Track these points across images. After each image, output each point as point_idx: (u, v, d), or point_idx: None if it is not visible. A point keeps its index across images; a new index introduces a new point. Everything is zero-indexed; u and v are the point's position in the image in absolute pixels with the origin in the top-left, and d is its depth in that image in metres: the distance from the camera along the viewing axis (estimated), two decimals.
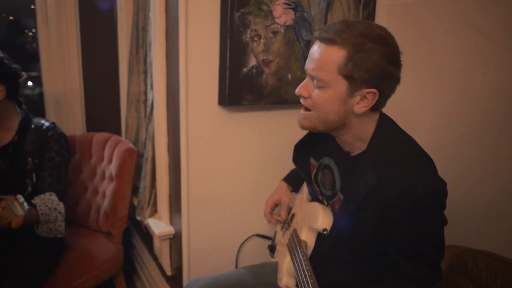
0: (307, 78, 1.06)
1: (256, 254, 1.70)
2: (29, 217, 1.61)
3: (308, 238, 1.29)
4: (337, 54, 0.95)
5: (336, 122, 1.04)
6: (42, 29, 2.42)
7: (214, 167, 1.57)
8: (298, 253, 1.23)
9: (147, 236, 2.18)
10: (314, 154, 1.34)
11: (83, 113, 2.49)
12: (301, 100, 1.08)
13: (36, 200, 1.69)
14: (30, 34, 2.79)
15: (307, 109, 1.07)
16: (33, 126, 1.79)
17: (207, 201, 1.58)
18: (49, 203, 1.71)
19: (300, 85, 1.07)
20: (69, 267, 1.81)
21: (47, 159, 1.76)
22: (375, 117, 1.07)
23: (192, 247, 1.59)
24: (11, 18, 2.69)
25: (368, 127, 1.06)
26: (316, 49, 1.01)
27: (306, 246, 1.28)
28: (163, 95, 1.68)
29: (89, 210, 2.16)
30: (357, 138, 1.09)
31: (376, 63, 0.94)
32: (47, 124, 1.81)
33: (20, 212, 1.39)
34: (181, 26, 1.43)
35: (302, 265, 1.15)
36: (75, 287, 1.78)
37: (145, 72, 2.07)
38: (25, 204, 1.45)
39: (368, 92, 0.98)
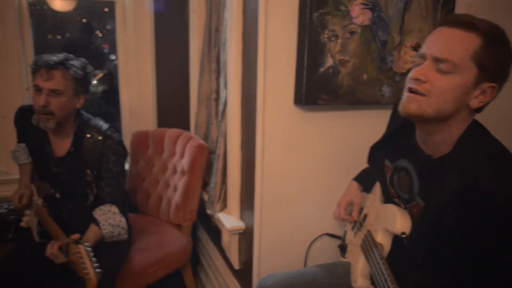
0: (426, 63, 1.00)
1: (325, 253, 1.71)
2: (96, 239, 1.66)
3: (384, 240, 1.28)
4: (474, 41, 0.95)
5: (449, 112, 1.00)
6: (120, 30, 2.57)
7: (287, 165, 1.59)
8: (374, 255, 1.22)
9: (213, 230, 2.25)
10: (389, 156, 1.32)
11: (155, 109, 2.62)
12: (413, 84, 1.02)
13: (99, 215, 1.69)
14: (100, 35, 2.97)
15: (414, 92, 1.02)
16: (89, 135, 1.75)
17: (279, 198, 1.61)
18: (112, 219, 1.71)
19: (416, 69, 1.02)
20: (144, 255, 1.91)
21: (104, 170, 1.75)
22: (470, 119, 1.04)
23: (263, 243, 1.62)
24: (84, 20, 2.86)
25: (460, 128, 1.04)
26: (446, 32, 0.99)
27: (382, 248, 1.27)
28: (237, 94, 1.72)
29: (160, 202, 2.27)
30: (447, 139, 1.06)
31: (504, 59, 0.96)
32: (102, 129, 1.76)
33: (92, 275, 1.36)
34: (261, 26, 1.47)
35: (380, 268, 1.14)
36: (149, 274, 1.88)
37: (217, 71, 2.13)
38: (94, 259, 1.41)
39: (489, 86, 0.97)
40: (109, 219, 1.70)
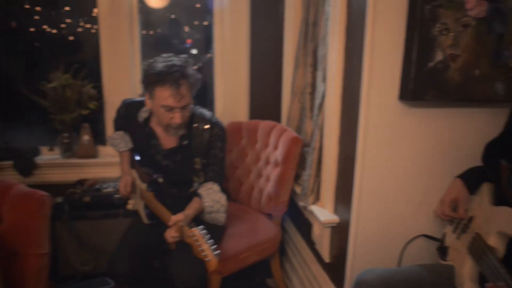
0: None
1: (420, 254, 1.66)
2: (197, 210, 1.77)
3: (498, 243, 1.22)
4: None
5: None
6: (218, 25, 2.68)
7: (388, 161, 1.56)
8: (488, 258, 1.17)
9: (302, 222, 2.28)
10: (507, 156, 1.25)
11: (248, 102, 2.70)
12: None
13: (202, 191, 1.81)
14: (186, 29, 3.10)
15: None
16: (195, 124, 1.83)
17: (378, 195, 1.59)
18: (213, 195, 1.81)
19: None
20: (237, 240, 2.00)
21: (211, 156, 1.84)
22: None
23: (359, 238, 1.62)
24: (173, 16, 3.00)
25: None
26: None
27: (496, 251, 1.21)
28: (338, 88, 1.72)
29: (252, 191, 2.35)
30: None
31: None
32: (207, 118, 1.84)
33: (212, 257, 1.42)
34: (369, 20, 1.45)
35: (498, 271, 1.09)
36: (241, 259, 1.97)
37: (313, 65, 2.14)
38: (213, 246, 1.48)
39: None
40: (211, 194, 1.79)
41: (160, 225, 1.92)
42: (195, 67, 2.79)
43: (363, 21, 1.49)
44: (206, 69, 2.90)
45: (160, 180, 1.91)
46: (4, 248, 1.04)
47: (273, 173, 2.18)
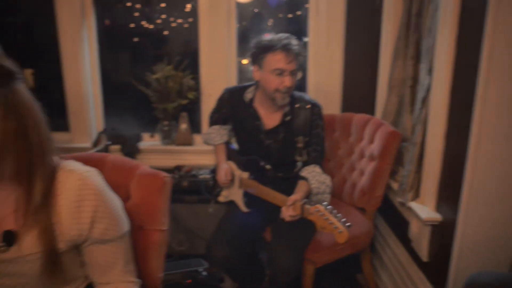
0: None
1: None
2: (306, 192, 1.81)
3: None
4: None
5: None
6: (313, 16, 2.68)
7: (505, 160, 1.46)
8: None
9: (395, 219, 2.22)
10: None
11: (341, 94, 2.68)
12: None
13: (305, 173, 1.87)
14: (270, 23, 3.10)
15: None
16: (298, 105, 1.91)
17: (491, 195, 1.50)
18: (318, 176, 1.86)
19: None
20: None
21: (314, 135, 1.91)
22: None
23: (466, 238, 1.54)
24: (255, 10, 3.02)
25: None
26: None
27: None
28: (446, 81, 1.64)
29: (343, 185, 2.33)
30: None
31: None
32: (307, 99, 1.94)
33: (343, 229, 1.50)
34: (491, 9, 1.36)
35: None
36: (336, 251, 1.98)
37: (415, 58, 2.06)
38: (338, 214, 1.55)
39: None
40: (316, 176, 1.84)
41: (256, 214, 2.00)
42: None
43: (484, 10, 1.40)
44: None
45: (268, 167, 1.96)
46: (131, 222, 1.14)
47: (368, 167, 2.15)
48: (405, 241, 2.06)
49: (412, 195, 1.91)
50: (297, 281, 1.97)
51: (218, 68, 2.70)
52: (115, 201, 1.09)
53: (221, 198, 2.12)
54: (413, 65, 2.08)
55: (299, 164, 1.92)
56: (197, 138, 2.86)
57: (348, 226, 1.50)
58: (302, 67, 1.88)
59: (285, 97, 1.85)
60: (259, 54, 1.81)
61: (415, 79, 2.07)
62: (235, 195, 2.04)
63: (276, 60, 1.76)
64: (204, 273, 2.39)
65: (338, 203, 2.29)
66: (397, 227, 2.23)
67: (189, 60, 2.75)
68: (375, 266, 2.46)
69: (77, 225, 1.01)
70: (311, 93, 2.76)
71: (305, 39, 2.77)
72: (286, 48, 1.75)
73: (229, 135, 2.16)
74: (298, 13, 2.97)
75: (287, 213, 1.65)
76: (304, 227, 1.85)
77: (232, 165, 2.06)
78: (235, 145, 2.20)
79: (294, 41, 1.80)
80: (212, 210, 2.17)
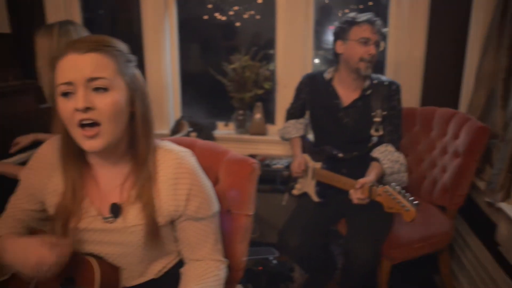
0: None
1: None
2: (378, 174, 1.81)
3: None
4: None
5: None
6: (393, 6, 2.58)
7: None
8: None
9: (478, 220, 2.10)
10: None
11: (421, 87, 2.56)
12: None
13: (376, 154, 1.87)
14: (340, 14, 3.01)
15: None
16: (376, 81, 1.96)
17: None
18: (390, 155, 1.85)
19: None
20: (411, 229, 1.93)
21: (391, 107, 1.92)
22: None
23: None
24: (326, 1, 2.93)
25: None
26: None
27: None
28: None
29: (422, 181, 2.24)
30: None
31: None
32: (384, 78, 1.98)
33: (410, 207, 1.51)
34: None
35: None
36: (414, 249, 1.91)
37: (511, 48, 1.92)
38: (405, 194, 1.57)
39: None
40: (387, 155, 1.83)
41: (329, 205, 2.00)
42: None
43: None
44: None
45: (340, 155, 1.97)
46: (220, 204, 1.18)
47: (451, 163, 2.04)
48: (491, 244, 1.94)
49: (503, 195, 1.79)
50: (372, 277, 1.93)
51: (295, 59, 2.69)
52: (207, 182, 1.14)
53: (295, 191, 2.14)
54: (508, 56, 1.94)
55: (374, 139, 1.93)
56: (271, 128, 2.88)
57: (416, 204, 1.51)
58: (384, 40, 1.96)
59: (369, 67, 1.89)
60: (345, 27, 1.91)
61: (509, 71, 1.93)
62: (308, 186, 2.05)
63: (362, 30, 1.86)
64: (275, 261, 2.42)
65: (416, 200, 2.20)
66: (481, 229, 2.11)
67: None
68: (452, 268, 2.35)
69: (174, 201, 1.07)
70: None
71: (383, 30, 2.67)
72: (371, 21, 1.87)
73: (305, 129, 2.22)
74: (370, 3, 2.88)
75: (355, 195, 1.68)
76: (381, 219, 1.85)
77: (307, 157, 2.08)
78: (310, 138, 2.23)
79: (376, 18, 1.90)
80: (285, 203, 2.19)
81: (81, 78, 0.92)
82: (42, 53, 1.79)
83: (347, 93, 1.99)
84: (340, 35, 1.94)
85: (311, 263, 2.05)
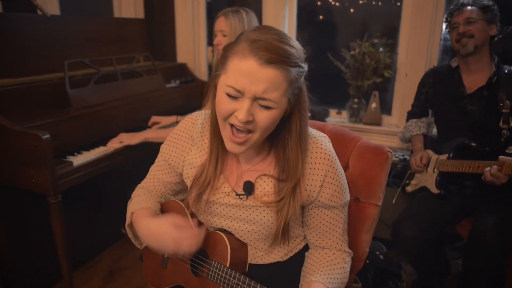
0: None
1: None
2: None
3: None
4: None
5: None
6: None
7: None
8: None
9: None
10: None
11: None
12: None
13: None
14: None
15: None
16: (506, 71, 1.84)
17: None
18: None
19: None
20: None
21: None
22: None
23: None
24: None
25: None
26: None
27: None
28: None
29: None
30: None
31: None
32: None
33: None
34: None
35: None
36: None
37: None
38: None
39: None
40: None
41: (451, 202, 1.90)
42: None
43: None
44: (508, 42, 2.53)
45: (473, 144, 1.86)
46: (349, 191, 1.14)
47: None
48: None
49: None
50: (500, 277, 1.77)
51: (420, 47, 2.52)
52: (342, 170, 1.11)
53: (409, 188, 2.07)
54: None
55: (505, 132, 1.77)
56: (386, 119, 2.76)
57: None
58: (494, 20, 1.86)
59: (467, 43, 1.84)
60: (448, 20, 1.94)
61: None
62: (428, 180, 1.96)
63: (454, 17, 1.89)
64: (381, 257, 2.34)
65: None
66: None
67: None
68: None
69: (308, 187, 1.06)
70: None
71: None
72: (462, 5, 1.87)
73: (427, 127, 2.16)
74: None
75: (491, 171, 1.61)
76: None
77: (430, 151, 2.01)
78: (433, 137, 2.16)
79: (477, 1, 1.85)
80: (394, 202, 2.10)
81: (252, 94, 0.92)
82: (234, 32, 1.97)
83: (472, 80, 1.91)
84: (448, 25, 1.96)
85: (424, 261, 1.95)
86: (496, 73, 1.84)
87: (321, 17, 3.07)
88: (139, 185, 1.30)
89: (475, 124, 1.88)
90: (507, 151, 1.77)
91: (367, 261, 2.30)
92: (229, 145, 1.00)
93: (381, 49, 2.64)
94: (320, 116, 2.82)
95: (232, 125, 0.97)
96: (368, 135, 2.73)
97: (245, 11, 2.00)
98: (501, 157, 1.62)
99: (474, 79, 1.90)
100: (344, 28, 2.99)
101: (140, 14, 3.12)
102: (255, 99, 0.93)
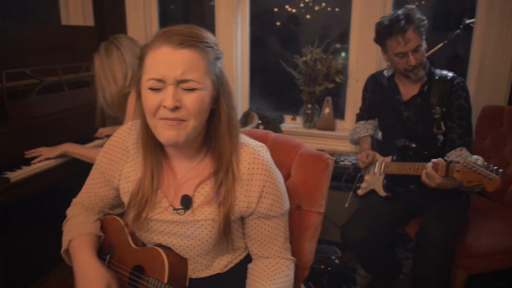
0: None
1: None
2: None
3: None
4: None
5: None
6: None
7: None
8: None
9: None
10: None
11: (509, 84, 2.35)
12: None
13: (453, 158, 1.77)
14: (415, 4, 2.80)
15: None
16: (437, 77, 1.87)
17: None
18: (468, 159, 1.69)
19: None
20: (493, 238, 1.80)
21: (456, 108, 1.82)
22: None
23: None
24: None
25: None
26: None
27: None
28: None
29: (507, 187, 2.06)
30: None
31: None
32: (450, 74, 1.87)
33: (494, 175, 1.42)
34: None
35: None
36: (495, 260, 1.76)
37: None
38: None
39: None
40: (466, 159, 1.70)
41: (399, 203, 1.94)
42: (440, 45, 2.58)
43: None
44: (452, 47, 2.64)
45: (413, 145, 1.91)
46: (289, 200, 1.14)
47: None
48: None
49: None
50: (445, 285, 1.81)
51: (369, 52, 2.58)
52: (281, 179, 1.10)
53: (360, 191, 2.10)
54: None
55: (440, 137, 1.85)
56: (340, 123, 2.80)
57: (501, 172, 1.41)
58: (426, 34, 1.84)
59: (418, 71, 1.85)
60: (380, 40, 1.87)
61: None
62: (376, 183, 2.00)
63: (395, 45, 1.79)
64: (337, 261, 2.36)
65: (499, 207, 2.05)
66: None
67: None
68: None
69: (246, 198, 1.05)
70: (472, 80, 2.48)
71: (468, 21, 2.47)
72: (401, 31, 1.75)
73: (374, 129, 2.21)
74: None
75: (426, 170, 1.63)
76: (457, 210, 1.82)
77: (376, 153, 2.05)
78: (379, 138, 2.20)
79: (412, 16, 1.77)
80: (348, 205, 2.13)
81: (172, 78, 0.92)
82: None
83: (407, 89, 1.96)
84: (379, 44, 1.91)
85: (375, 261, 1.98)
86: (427, 82, 1.88)
87: (278, 23, 3.09)
88: (74, 200, 1.24)
89: (412, 129, 1.93)
90: (445, 157, 1.78)
91: (322, 266, 2.32)
92: (166, 134, 0.96)
93: (342, 54, 2.69)
94: (275, 122, 2.82)
95: (163, 121, 0.95)
96: (322, 140, 2.76)
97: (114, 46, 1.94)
98: (434, 160, 1.65)
99: (408, 87, 1.94)
100: (301, 34, 3.01)
101: (90, 22, 3.04)
102: (177, 83, 0.92)
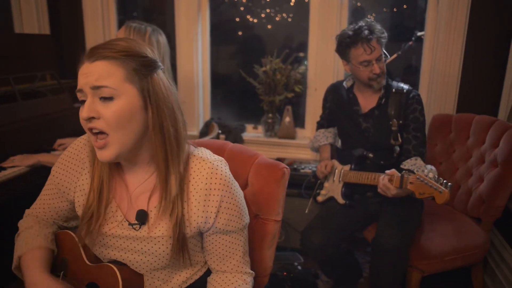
0: None
1: None
2: None
3: None
4: None
5: None
6: (432, 10, 2.51)
7: None
8: None
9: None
10: None
11: (456, 93, 2.48)
12: None
13: (408, 167, 1.86)
14: (373, 16, 2.93)
15: None
16: (393, 90, 1.94)
17: None
18: (422, 168, 1.83)
19: None
20: (443, 240, 1.87)
21: (412, 120, 1.90)
22: None
23: None
24: (358, 4, 2.87)
25: None
26: None
27: None
28: None
29: (456, 191, 2.17)
30: None
31: None
32: (406, 87, 1.94)
33: (444, 189, 1.50)
34: None
35: None
36: (446, 261, 1.84)
37: None
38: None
39: None
40: (419, 169, 1.80)
41: (357, 210, 2.00)
42: (394, 55, 2.69)
43: None
44: (405, 58, 2.76)
45: (370, 155, 1.98)
46: (248, 209, 1.15)
47: (489, 173, 1.96)
48: None
49: None
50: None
51: (327, 62, 2.66)
52: (240, 193, 1.09)
53: (320, 198, 2.14)
54: None
55: (397, 148, 1.92)
56: (300, 132, 2.86)
57: (450, 186, 1.51)
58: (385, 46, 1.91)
59: (381, 81, 1.90)
60: (343, 50, 1.91)
61: None
62: (335, 190, 2.04)
63: (359, 53, 1.84)
64: (299, 267, 2.39)
65: (449, 210, 2.14)
66: None
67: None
68: (486, 283, 2.25)
69: (204, 213, 1.03)
70: (423, 89, 2.60)
71: (419, 33, 2.61)
72: (366, 40, 1.81)
73: (333, 137, 2.26)
74: (405, 6, 2.82)
75: (383, 181, 1.71)
76: (411, 215, 1.89)
77: (335, 161, 2.09)
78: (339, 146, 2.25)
79: (374, 27, 1.84)
80: (308, 211, 2.18)
81: (87, 87, 0.92)
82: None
83: (365, 101, 2.01)
84: (341, 55, 1.95)
85: (335, 266, 2.03)
86: (384, 95, 1.94)
87: (240, 33, 3.12)
88: (27, 211, 1.20)
89: (370, 140, 1.99)
90: (401, 166, 1.89)
91: (284, 273, 2.35)
92: (99, 154, 0.96)
93: (305, 62, 2.74)
94: (237, 132, 2.85)
95: (92, 133, 0.95)
96: (283, 149, 2.80)
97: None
98: (388, 171, 1.73)
99: (367, 99, 2.00)
100: (262, 44, 3.06)
101: (46, 30, 2.96)
102: (93, 92, 0.93)
